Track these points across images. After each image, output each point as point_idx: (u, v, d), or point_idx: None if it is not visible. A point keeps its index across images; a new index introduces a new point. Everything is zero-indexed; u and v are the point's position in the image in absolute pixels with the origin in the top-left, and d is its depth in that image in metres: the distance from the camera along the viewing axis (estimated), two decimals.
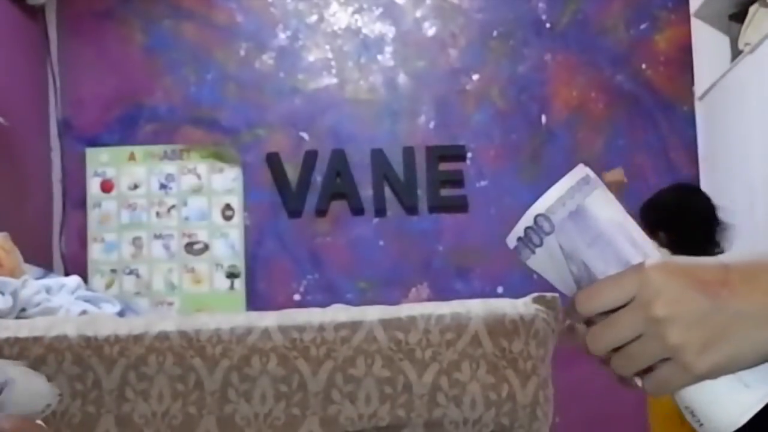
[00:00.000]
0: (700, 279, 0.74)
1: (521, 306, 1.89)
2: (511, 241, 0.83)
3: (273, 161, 4.02)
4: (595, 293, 0.77)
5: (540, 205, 0.79)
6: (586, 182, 0.79)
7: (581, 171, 0.80)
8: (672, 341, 0.73)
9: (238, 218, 4.01)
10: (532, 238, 0.80)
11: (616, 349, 0.77)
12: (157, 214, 4.01)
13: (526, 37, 4.10)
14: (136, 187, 4.02)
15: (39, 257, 3.59)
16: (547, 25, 4.10)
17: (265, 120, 4.07)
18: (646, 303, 0.74)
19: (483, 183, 4.02)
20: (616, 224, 0.80)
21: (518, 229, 0.81)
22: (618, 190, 3.33)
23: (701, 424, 0.79)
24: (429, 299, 3.86)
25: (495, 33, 4.10)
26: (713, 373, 0.75)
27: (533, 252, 0.81)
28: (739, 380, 0.76)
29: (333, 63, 4.12)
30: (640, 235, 0.80)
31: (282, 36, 4.13)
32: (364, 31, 4.14)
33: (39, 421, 1.15)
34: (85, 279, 3.58)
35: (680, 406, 0.80)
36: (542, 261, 0.81)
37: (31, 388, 1.10)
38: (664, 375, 0.76)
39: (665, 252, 2.21)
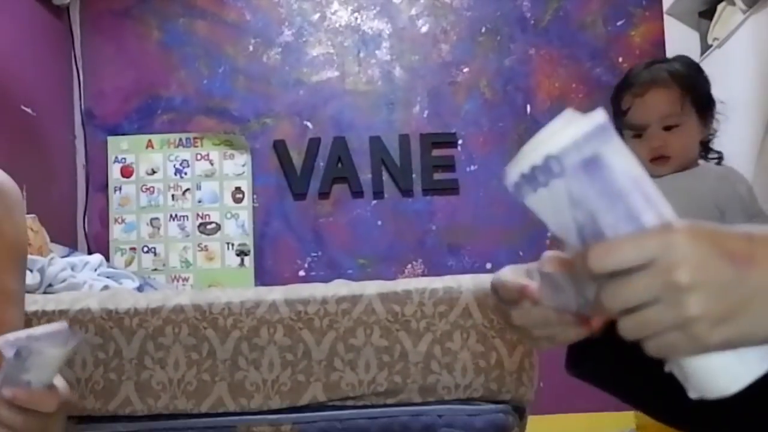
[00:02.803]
0: (727, 248, 0.66)
1: None
2: (512, 176, 0.73)
3: (279, 148, 4.01)
4: (614, 249, 0.68)
5: (553, 145, 0.70)
6: (603, 129, 0.70)
7: (600, 116, 0.70)
8: (691, 311, 0.65)
9: (247, 200, 4.00)
10: (537, 177, 0.71)
11: (625, 312, 0.69)
12: (173, 197, 4.00)
13: (512, 33, 4.08)
14: (153, 172, 4.01)
15: (64, 237, 3.59)
16: (531, 22, 4.08)
17: (272, 110, 4.06)
18: (668, 267, 0.65)
19: (473, 167, 4.01)
20: (631, 179, 0.69)
21: (522, 166, 0.72)
22: None
23: (687, 381, 0.72)
24: (423, 275, 3.86)
25: (483, 29, 4.08)
26: (722, 347, 0.67)
27: (534, 191, 0.72)
28: (736, 353, 0.69)
29: (334, 57, 4.10)
30: (654, 193, 0.70)
31: (287, 33, 4.11)
32: (363, 28, 4.12)
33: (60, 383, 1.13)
34: (106, 257, 3.58)
35: (681, 380, 0.73)
36: (542, 202, 0.72)
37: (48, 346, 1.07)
38: (670, 341, 0.67)
39: None
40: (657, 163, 2.20)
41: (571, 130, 0.70)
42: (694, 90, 2.25)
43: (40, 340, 1.06)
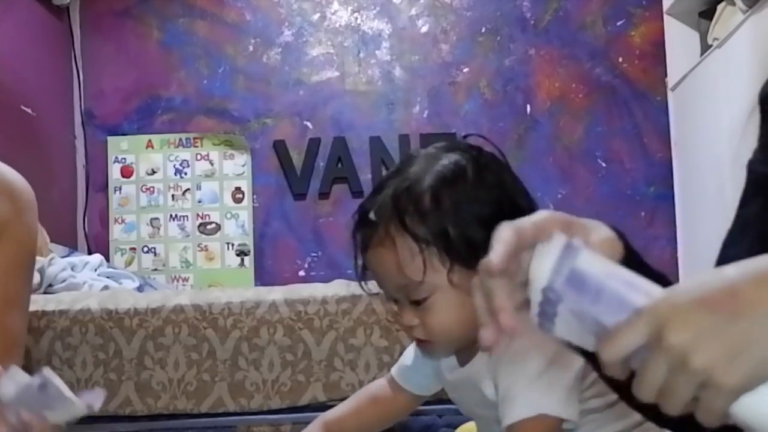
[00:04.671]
0: (705, 299, 0.68)
1: None
2: (533, 321, 0.78)
3: (279, 148, 4.01)
4: (613, 341, 0.72)
5: (541, 279, 0.76)
6: (568, 248, 0.76)
7: (561, 240, 0.76)
8: (695, 364, 0.66)
9: (247, 200, 4.00)
10: (547, 312, 0.76)
11: (659, 394, 0.70)
12: (173, 197, 4.00)
13: (512, 33, 4.08)
14: (153, 172, 4.01)
15: (64, 237, 3.59)
16: (531, 22, 4.08)
17: (272, 110, 4.06)
18: (659, 337, 0.68)
19: None
20: (606, 274, 0.75)
21: (534, 308, 0.77)
22: None
23: (752, 428, 0.71)
24: None
25: (483, 29, 4.08)
26: (749, 384, 0.67)
27: (554, 324, 0.77)
28: None
29: (334, 57, 4.10)
30: (633, 277, 0.75)
31: (287, 33, 4.11)
32: (363, 28, 4.12)
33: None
34: (106, 257, 3.58)
35: (743, 427, 0.71)
36: (565, 328, 0.77)
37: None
38: (706, 402, 0.68)
39: None
40: (421, 346, 1.37)
41: (548, 260, 0.76)
42: (439, 232, 1.25)
43: (67, 392, 1.09)
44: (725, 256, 0.82)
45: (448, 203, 1.25)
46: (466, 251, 1.23)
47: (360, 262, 1.34)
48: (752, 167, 0.83)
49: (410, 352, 1.51)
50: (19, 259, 1.39)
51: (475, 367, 1.32)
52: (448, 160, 1.30)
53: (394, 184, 1.30)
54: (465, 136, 1.41)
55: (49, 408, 1.10)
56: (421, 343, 1.33)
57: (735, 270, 0.69)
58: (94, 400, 1.12)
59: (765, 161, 0.80)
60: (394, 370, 1.53)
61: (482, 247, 1.13)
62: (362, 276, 1.35)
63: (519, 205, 1.29)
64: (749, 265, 0.69)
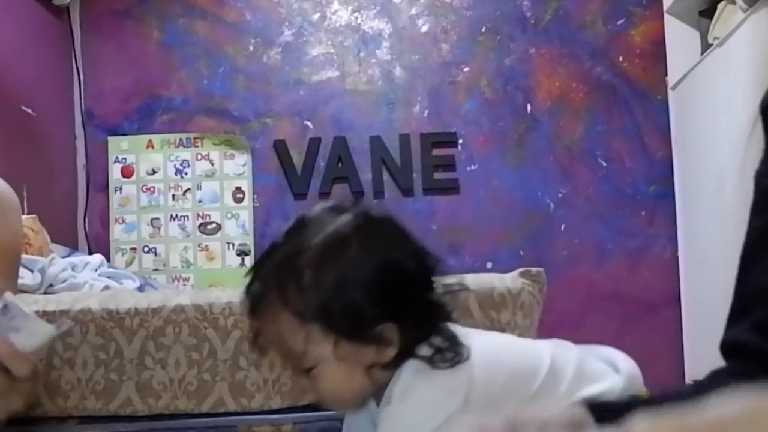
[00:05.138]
0: None
1: (509, 280, 1.88)
2: None
3: (280, 148, 4.01)
4: None
5: None
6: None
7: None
8: None
9: (247, 200, 4.00)
10: None
11: None
12: (173, 197, 4.00)
13: (512, 33, 4.08)
14: (154, 172, 4.01)
15: (65, 237, 3.59)
16: (531, 21, 4.08)
17: (273, 110, 4.06)
18: None
19: (473, 167, 4.01)
20: None
21: None
22: None
23: None
24: None
25: (483, 29, 4.08)
26: None
27: None
28: None
29: (335, 57, 4.10)
30: None
31: (287, 32, 4.11)
32: (363, 27, 4.12)
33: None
34: (107, 257, 3.58)
35: None
36: None
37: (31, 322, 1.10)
38: None
39: None
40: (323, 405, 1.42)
41: None
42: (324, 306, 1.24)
43: (31, 313, 1.08)
44: (748, 275, 0.81)
45: (330, 278, 1.24)
46: (350, 324, 1.23)
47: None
48: (759, 180, 0.82)
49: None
50: (2, 260, 1.40)
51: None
52: (334, 228, 1.29)
53: (280, 255, 1.31)
54: (355, 200, 1.41)
55: (14, 330, 1.09)
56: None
57: (725, 409, 0.64)
58: (63, 323, 1.12)
59: None
60: None
61: (367, 318, 1.24)
62: (253, 339, 1.34)
63: (408, 270, 1.30)
64: (738, 403, 0.64)
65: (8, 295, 1.10)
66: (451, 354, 1.28)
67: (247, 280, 1.33)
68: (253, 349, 1.36)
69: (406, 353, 1.28)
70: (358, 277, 1.24)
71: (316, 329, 1.24)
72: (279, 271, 1.28)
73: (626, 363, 1.43)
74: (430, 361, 1.28)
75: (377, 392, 1.32)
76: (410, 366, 1.28)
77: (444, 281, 1.36)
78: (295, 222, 1.36)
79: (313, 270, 1.25)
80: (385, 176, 3.99)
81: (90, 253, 3.67)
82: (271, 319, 1.27)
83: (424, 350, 1.28)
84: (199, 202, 4.00)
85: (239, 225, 3.98)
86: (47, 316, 1.87)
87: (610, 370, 1.42)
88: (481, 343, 1.36)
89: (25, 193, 3.16)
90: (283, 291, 1.25)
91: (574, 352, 1.43)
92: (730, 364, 0.81)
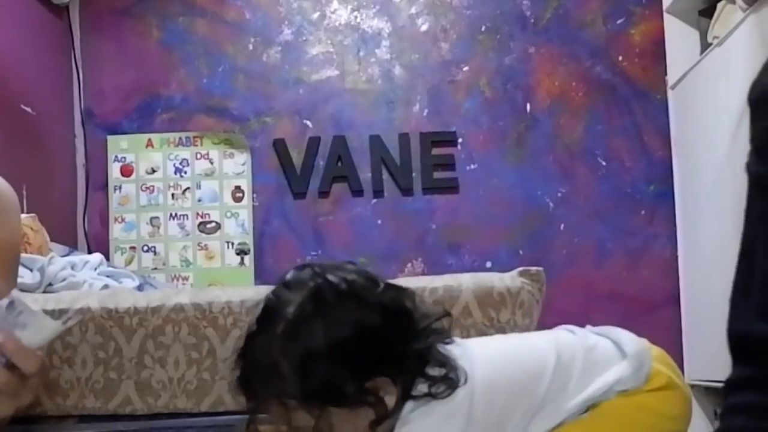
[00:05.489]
0: None
1: (508, 279, 1.88)
2: None
3: (279, 147, 4.01)
4: None
5: None
6: None
7: None
8: None
9: (247, 199, 4.00)
10: None
11: None
12: (173, 196, 4.00)
13: (512, 32, 4.08)
14: (153, 171, 4.01)
15: (64, 236, 3.59)
16: (531, 21, 4.08)
17: (272, 109, 4.06)
18: None
19: (472, 166, 4.01)
20: None
21: None
22: None
23: None
24: (423, 273, 3.86)
25: (483, 28, 4.08)
26: None
27: None
28: None
29: (334, 56, 4.10)
30: None
31: (287, 31, 4.11)
32: (363, 26, 4.12)
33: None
34: (106, 256, 3.58)
35: None
36: None
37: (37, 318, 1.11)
38: None
39: None
40: None
41: None
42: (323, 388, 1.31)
43: (37, 309, 1.08)
44: (752, 260, 0.81)
45: (301, 361, 1.29)
46: (333, 396, 1.29)
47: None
48: (750, 168, 0.83)
49: None
50: (2, 260, 1.39)
51: None
52: (293, 312, 1.33)
53: (255, 350, 1.36)
54: (301, 266, 1.43)
55: (21, 326, 1.09)
56: None
57: None
58: (69, 318, 1.12)
59: (760, 162, 0.81)
60: None
61: (351, 385, 1.29)
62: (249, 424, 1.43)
63: (378, 327, 1.33)
64: None
65: (14, 292, 1.11)
66: (448, 381, 1.32)
67: (236, 372, 1.39)
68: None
69: (403, 399, 1.33)
70: (327, 352, 1.29)
71: (305, 409, 1.30)
72: (257, 367, 1.34)
73: (632, 343, 1.44)
74: (429, 395, 1.32)
75: None
76: (408, 406, 1.33)
77: (426, 312, 1.40)
78: (262, 308, 1.40)
79: (285, 359, 1.30)
80: (385, 175, 3.99)
81: (89, 252, 3.67)
82: (264, 408, 1.36)
83: (420, 387, 1.33)
84: (199, 201, 4.00)
85: (239, 224, 3.98)
86: (47, 315, 1.87)
87: (618, 354, 1.43)
88: (482, 354, 1.39)
89: (24, 192, 3.16)
90: (267, 385, 1.32)
91: (580, 342, 1.43)
92: (742, 375, 0.81)
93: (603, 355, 1.42)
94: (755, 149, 0.81)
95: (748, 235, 0.83)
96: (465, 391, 1.33)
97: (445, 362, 1.35)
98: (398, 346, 1.34)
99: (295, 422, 1.31)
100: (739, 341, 0.82)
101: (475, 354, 1.39)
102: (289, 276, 1.42)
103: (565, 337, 1.47)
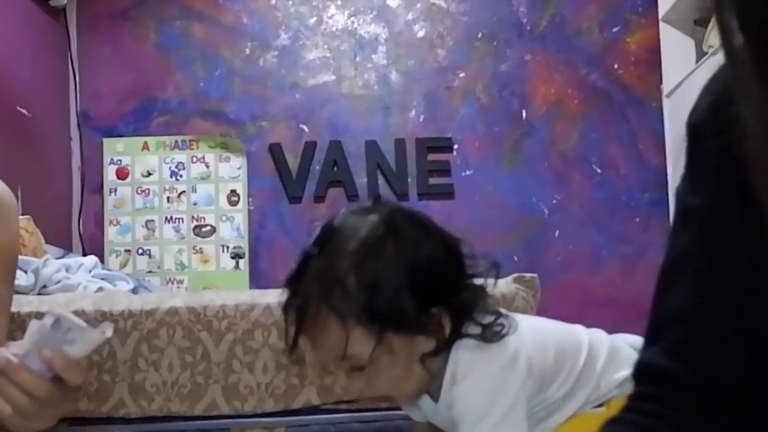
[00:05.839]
0: None
1: (503, 285, 1.89)
2: None
3: (275, 151, 4.01)
4: None
5: None
6: None
7: None
8: None
9: (242, 203, 4.00)
10: None
11: None
12: (168, 199, 3.99)
13: (508, 39, 4.08)
14: (149, 174, 4.01)
15: (59, 238, 3.58)
16: (528, 28, 4.09)
17: (268, 113, 4.06)
18: None
19: (468, 172, 4.01)
20: None
21: None
22: None
23: None
24: None
25: (479, 34, 4.09)
26: None
27: None
28: None
29: (331, 61, 4.11)
30: None
31: (284, 36, 4.11)
32: (360, 32, 4.12)
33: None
34: (101, 259, 3.57)
35: None
36: None
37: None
38: None
39: None
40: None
41: None
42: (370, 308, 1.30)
43: (84, 324, 1.10)
44: (665, 296, 0.80)
45: (371, 279, 1.30)
46: (397, 319, 1.30)
47: (291, 337, 1.37)
48: (680, 196, 0.81)
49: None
50: (2, 263, 1.40)
51: (443, 404, 1.39)
52: (366, 232, 1.34)
53: (318, 266, 1.35)
54: (376, 199, 1.44)
55: (68, 343, 1.12)
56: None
57: None
58: (107, 327, 1.14)
59: (693, 191, 0.79)
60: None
61: (411, 310, 1.30)
62: (292, 349, 1.38)
63: (440, 259, 1.36)
64: None
65: (58, 309, 1.13)
66: (499, 327, 1.35)
67: (285, 295, 1.38)
68: (292, 361, 1.41)
69: (455, 336, 1.35)
70: (397, 273, 1.30)
71: (365, 329, 1.29)
72: (321, 282, 1.32)
73: None
74: (481, 338, 1.34)
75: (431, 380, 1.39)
76: (463, 345, 1.35)
77: (473, 262, 1.43)
78: (323, 232, 1.41)
79: (354, 274, 1.30)
80: (380, 180, 3.99)
81: (84, 254, 3.67)
82: (320, 329, 1.32)
83: (472, 328, 1.36)
84: (194, 204, 4.00)
85: (234, 228, 3.98)
86: (41, 317, 1.87)
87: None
88: (524, 319, 1.43)
89: (19, 194, 3.15)
90: (329, 300, 1.30)
91: (607, 336, 1.48)
92: (643, 390, 0.81)
93: (628, 352, 1.45)
94: (688, 176, 0.80)
95: (669, 265, 0.81)
96: (516, 342, 1.35)
97: (494, 311, 1.39)
98: (455, 282, 1.38)
99: (352, 347, 1.30)
100: (641, 371, 0.81)
101: (518, 317, 1.42)
102: (354, 207, 1.44)
103: (596, 332, 1.51)
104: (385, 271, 1.30)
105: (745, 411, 0.73)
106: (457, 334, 1.35)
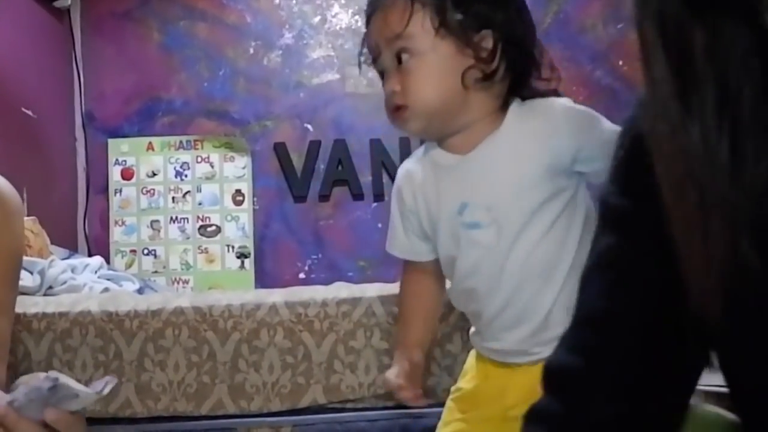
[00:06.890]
0: None
1: None
2: None
3: (280, 150, 4.01)
4: None
5: None
6: None
7: None
8: None
9: (247, 203, 4.00)
10: None
11: None
12: (173, 199, 4.00)
13: None
14: (154, 174, 4.01)
15: (65, 239, 3.59)
16: None
17: (273, 112, 4.06)
18: None
19: None
20: None
21: None
22: None
23: None
24: None
25: None
26: None
27: None
28: None
29: (335, 60, 4.11)
30: None
31: (288, 35, 4.11)
32: (364, 30, 4.11)
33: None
34: (107, 259, 3.58)
35: None
36: None
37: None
38: None
39: None
40: (397, 116, 1.55)
41: None
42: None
43: (80, 388, 1.12)
44: (582, 295, 0.81)
45: None
46: (458, 23, 1.40)
47: (363, 50, 1.62)
48: (605, 198, 0.81)
49: (395, 230, 1.75)
50: (7, 266, 1.40)
51: (495, 143, 1.47)
52: None
53: None
54: None
55: (62, 404, 1.13)
56: (397, 111, 1.50)
57: None
58: (103, 385, 1.15)
59: (619, 193, 0.79)
60: (399, 255, 1.75)
61: (472, 15, 1.41)
62: (360, 54, 1.63)
63: (511, 18, 1.50)
64: None
65: (54, 373, 1.14)
66: (553, 93, 1.56)
67: None
68: (360, 62, 1.63)
69: (513, 90, 1.49)
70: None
71: (425, 13, 1.41)
72: None
73: None
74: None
75: (439, 128, 1.50)
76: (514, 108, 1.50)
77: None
78: None
79: None
80: (385, 179, 3.99)
81: (90, 255, 3.67)
82: (389, 6, 1.51)
83: (526, 92, 1.51)
84: (199, 204, 4.00)
85: (239, 227, 3.98)
86: (47, 318, 1.87)
87: None
88: None
89: (24, 195, 3.16)
90: None
91: None
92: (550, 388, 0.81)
93: None
94: (615, 179, 0.80)
95: (588, 267, 0.82)
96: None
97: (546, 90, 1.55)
98: (524, 38, 1.53)
99: (412, 26, 1.42)
100: (544, 370, 0.82)
101: None
102: None
103: None
104: None
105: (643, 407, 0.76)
106: (514, 91, 1.49)
